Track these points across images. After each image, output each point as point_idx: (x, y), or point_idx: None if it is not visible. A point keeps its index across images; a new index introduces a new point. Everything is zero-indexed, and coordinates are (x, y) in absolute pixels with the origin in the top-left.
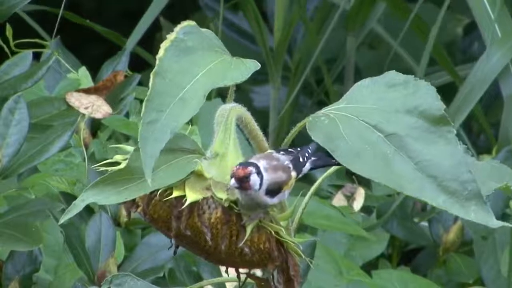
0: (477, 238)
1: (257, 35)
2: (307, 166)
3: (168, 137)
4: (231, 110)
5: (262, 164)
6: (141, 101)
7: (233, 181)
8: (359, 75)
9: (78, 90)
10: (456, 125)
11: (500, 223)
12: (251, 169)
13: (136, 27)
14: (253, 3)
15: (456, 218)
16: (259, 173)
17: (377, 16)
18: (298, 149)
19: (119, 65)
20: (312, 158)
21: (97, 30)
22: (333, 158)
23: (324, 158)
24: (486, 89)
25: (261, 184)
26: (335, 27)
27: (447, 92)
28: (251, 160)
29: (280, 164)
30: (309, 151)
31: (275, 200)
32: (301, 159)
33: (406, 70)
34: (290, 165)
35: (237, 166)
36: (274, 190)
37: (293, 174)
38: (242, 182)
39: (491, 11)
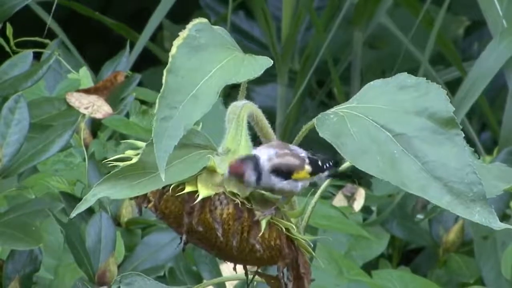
0: (478, 238)
1: (265, 31)
2: (326, 173)
3: (182, 134)
4: (243, 107)
5: (268, 152)
6: (141, 101)
7: (227, 173)
8: (361, 76)
9: (78, 90)
10: (459, 118)
11: (504, 225)
12: (246, 168)
13: (146, 26)
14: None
15: (456, 218)
16: (255, 168)
17: (385, 9)
18: (319, 155)
19: (119, 66)
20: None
21: (107, 23)
22: (351, 175)
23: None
24: (487, 87)
25: (258, 179)
26: (341, 24)
27: (453, 89)
28: (261, 148)
29: (292, 153)
30: (331, 163)
31: (285, 184)
32: (320, 163)
33: (411, 70)
34: (306, 159)
35: (235, 161)
36: (281, 171)
37: (308, 167)
38: (237, 176)
39: (498, 2)
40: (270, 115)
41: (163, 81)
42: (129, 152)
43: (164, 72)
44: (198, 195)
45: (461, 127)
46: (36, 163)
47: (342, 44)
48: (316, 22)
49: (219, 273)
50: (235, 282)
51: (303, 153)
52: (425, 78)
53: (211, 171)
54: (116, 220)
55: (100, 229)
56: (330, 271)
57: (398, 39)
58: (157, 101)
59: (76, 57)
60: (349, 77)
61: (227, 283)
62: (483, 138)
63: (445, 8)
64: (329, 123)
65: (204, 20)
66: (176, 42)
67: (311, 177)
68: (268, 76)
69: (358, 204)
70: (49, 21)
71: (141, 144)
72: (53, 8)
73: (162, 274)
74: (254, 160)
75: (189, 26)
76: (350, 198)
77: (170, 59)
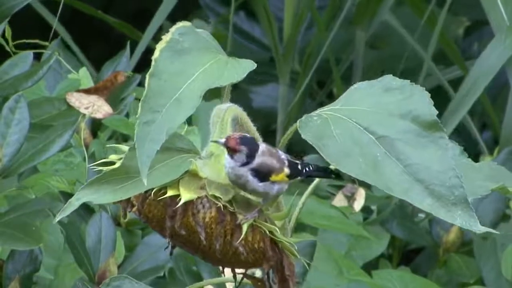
0: (478, 238)
1: (267, 31)
2: (304, 174)
3: (164, 138)
4: (227, 110)
5: (261, 146)
6: None
7: (223, 143)
8: (363, 76)
9: (79, 90)
10: (461, 116)
11: (484, 229)
12: (243, 148)
13: (148, 27)
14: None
15: None
16: (249, 156)
17: (387, 7)
18: (303, 161)
19: (119, 66)
20: (311, 169)
21: (110, 22)
22: (331, 173)
23: (322, 171)
24: (489, 86)
25: (247, 163)
26: (342, 23)
27: (455, 88)
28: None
29: (277, 154)
30: (312, 166)
31: (260, 186)
32: (299, 167)
33: (412, 69)
34: (286, 161)
35: (235, 137)
36: (262, 172)
37: (286, 170)
38: (230, 151)
39: (500, 1)
40: (271, 115)
41: (146, 84)
42: (112, 157)
43: (147, 76)
44: (180, 199)
45: (445, 130)
46: (36, 163)
47: (343, 43)
48: (318, 21)
49: (218, 273)
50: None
51: (283, 155)
52: (409, 81)
53: (193, 174)
54: (116, 220)
55: (100, 229)
56: (330, 271)
57: (399, 39)
58: (139, 105)
59: (79, 57)
60: (350, 77)
61: (227, 284)
62: (484, 137)
63: (447, 8)
64: (312, 125)
65: (188, 23)
66: (159, 46)
67: (289, 180)
68: (268, 76)
69: (358, 204)
70: (55, 23)
71: (126, 148)
72: (60, 8)
73: (162, 274)
74: (253, 148)
75: (172, 29)
76: (350, 198)
77: (153, 63)
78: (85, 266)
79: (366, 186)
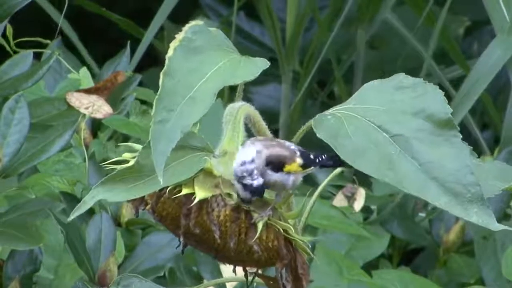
0: (478, 238)
1: (270, 31)
2: (317, 163)
3: (179, 136)
4: (240, 109)
5: (256, 148)
6: (142, 101)
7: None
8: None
9: (79, 90)
10: (461, 115)
11: (501, 226)
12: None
13: (149, 27)
14: None
15: (457, 219)
16: (252, 161)
17: (388, 7)
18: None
19: (120, 65)
20: (324, 159)
21: (113, 19)
22: (343, 162)
23: (335, 160)
24: (489, 85)
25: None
26: (342, 23)
27: (456, 88)
28: (245, 146)
29: (281, 144)
30: (324, 156)
31: (278, 176)
32: (312, 156)
33: (413, 69)
34: (297, 151)
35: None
36: (274, 162)
37: (299, 160)
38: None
39: (502, 0)
40: (271, 115)
41: (160, 83)
42: (126, 155)
43: (161, 74)
44: (195, 197)
45: (458, 128)
46: (36, 163)
47: (343, 44)
48: (320, 22)
49: (219, 274)
50: (235, 283)
51: (292, 146)
52: (422, 79)
53: (208, 173)
54: (116, 220)
55: (100, 229)
56: (330, 271)
57: (399, 38)
58: (154, 103)
59: (84, 55)
60: (351, 77)
61: (227, 284)
62: (484, 137)
63: (447, 7)
64: (327, 124)
65: (201, 22)
66: (173, 44)
67: (303, 171)
68: (269, 77)
69: (358, 204)
70: (53, 15)
71: (139, 146)
72: (65, 7)
73: (162, 274)
74: (250, 169)
75: (186, 28)
76: (350, 198)
77: (166, 62)
78: (85, 266)
79: (366, 186)
